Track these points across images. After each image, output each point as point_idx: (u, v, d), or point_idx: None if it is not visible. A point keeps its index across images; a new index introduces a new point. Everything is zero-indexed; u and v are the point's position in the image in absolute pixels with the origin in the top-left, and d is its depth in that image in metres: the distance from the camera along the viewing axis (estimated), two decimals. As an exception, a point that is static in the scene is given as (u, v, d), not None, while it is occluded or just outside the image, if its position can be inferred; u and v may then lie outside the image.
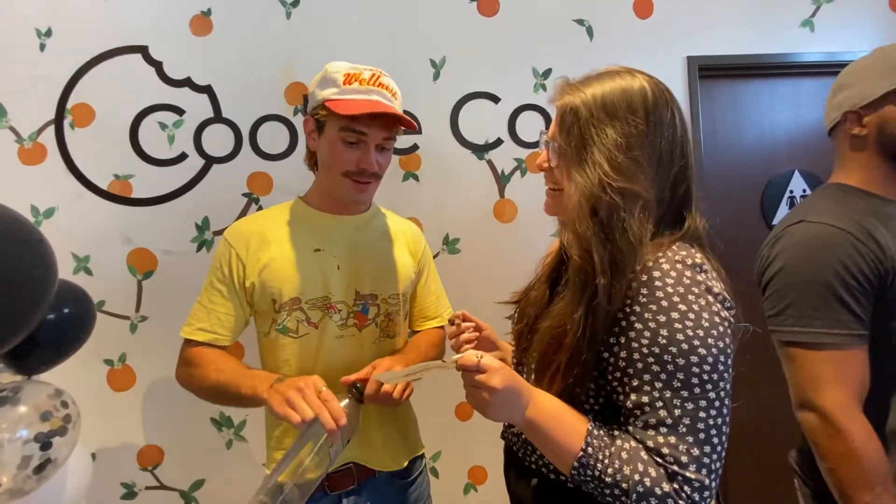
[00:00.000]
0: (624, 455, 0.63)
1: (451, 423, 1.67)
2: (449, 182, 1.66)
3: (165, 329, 1.56)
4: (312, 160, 1.01)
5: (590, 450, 0.64)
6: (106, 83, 1.55)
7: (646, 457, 0.62)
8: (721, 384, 0.63)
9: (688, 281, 0.64)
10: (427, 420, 1.64)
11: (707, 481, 0.61)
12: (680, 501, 0.60)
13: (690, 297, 0.63)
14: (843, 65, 1.85)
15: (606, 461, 0.63)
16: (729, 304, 0.66)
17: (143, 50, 1.56)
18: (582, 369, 0.68)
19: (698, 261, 0.67)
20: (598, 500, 0.67)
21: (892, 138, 0.84)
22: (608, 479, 0.63)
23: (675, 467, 0.61)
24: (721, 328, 0.63)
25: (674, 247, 0.68)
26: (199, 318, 0.95)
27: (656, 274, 0.65)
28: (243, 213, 1.60)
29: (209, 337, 0.94)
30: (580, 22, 1.71)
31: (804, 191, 1.86)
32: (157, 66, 1.57)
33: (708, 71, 1.77)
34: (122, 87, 1.56)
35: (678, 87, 1.75)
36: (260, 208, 1.60)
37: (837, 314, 0.78)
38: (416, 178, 1.65)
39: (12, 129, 1.53)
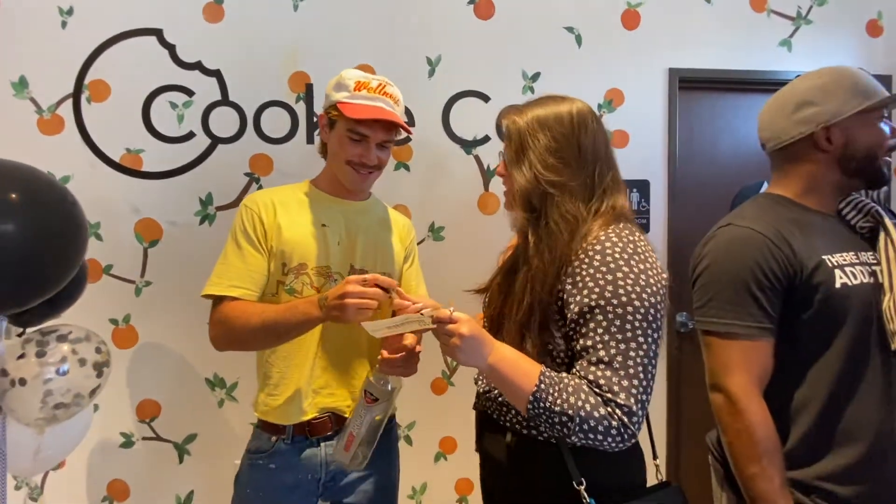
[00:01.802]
0: (570, 389, 0.78)
1: (427, 397, 1.80)
2: (437, 173, 1.77)
3: (167, 294, 1.70)
4: (323, 150, 1.17)
5: (542, 386, 0.79)
6: (122, 62, 1.66)
7: (587, 389, 0.78)
8: (650, 332, 0.79)
9: (630, 250, 0.82)
10: (404, 392, 1.77)
11: (635, 408, 0.76)
12: (613, 422, 0.76)
13: (633, 262, 0.81)
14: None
15: (556, 394, 0.78)
16: (662, 271, 0.84)
17: (157, 33, 1.67)
18: (539, 329, 0.85)
19: (639, 236, 0.86)
20: (560, 442, 0.84)
21: (854, 155, 0.92)
22: (557, 409, 0.78)
23: (609, 395, 0.76)
24: (655, 287, 0.81)
25: (620, 225, 0.86)
26: (231, 275, 1.05)
27: (607, 244, 0.82)
28: (245, 192, 1.71)
29: (242, 292, 1.04)
30: (570, 29, 1.81)
31: None
32: (171, 48, 1.68)
33: (688, 83, 1.88)
34: (137, 66, 1.67)
35: (658, 98, 1.86)
36: (260, 187, 1.72)
37: (749, 308, 0.88)
38: (406, 167, 1.77)
39: (33, 101, 1.64)
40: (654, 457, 1.04)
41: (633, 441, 0.79)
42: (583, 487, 0.83)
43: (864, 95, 0.91)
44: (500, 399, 0.93)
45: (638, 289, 0.79)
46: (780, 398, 0.90)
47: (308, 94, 1.72)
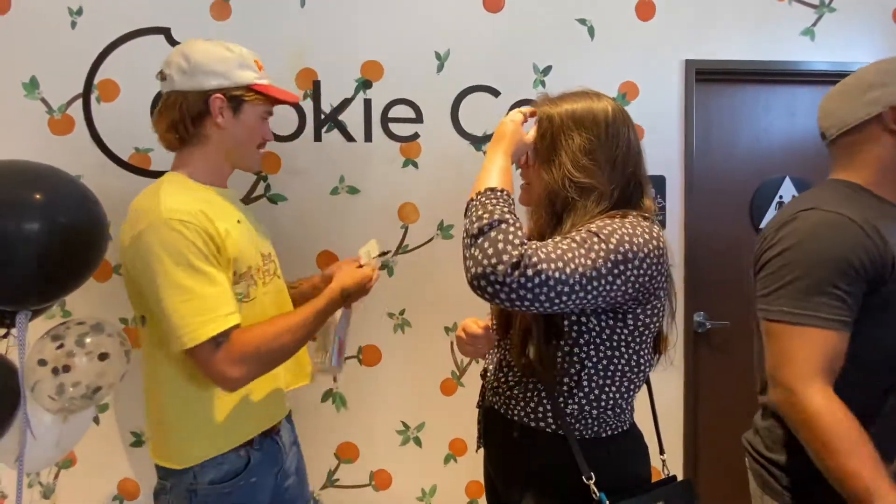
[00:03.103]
0: (506, 208, 0.78)
1: (436, 398, 1.78)
2: (446, 170, 1.74)
3: (176, 293, 1.69)
4: (195, 136, 1.00)
5: (498, 193, 0.80)
6: (131, 61, 1.66)
7: (516, 227, 0.75)
8: (611, 263, 0.76)
9: (634, 220, 0.83)
10: (413, 393, 1.76)
11: (540, 266, 0.71)
12: (513, 253, 0.71)
13: (634, 223, 0.82)
14: (843, 74, 1.89)
15: (498, 204, 0.78)
16: (664, 246, 0.84)
17: (165, 31, 1.67)
18: (544, 339, 0.86)
19: (646, 217, 0.86)
20: (568, 435, 0.86)
21: None
22: (487, 211, 0.77)
23: (527, 246, 0.74)
24: (645, 238, 0.80)
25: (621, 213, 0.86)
26: (214, 306, 0.87)
27: (613, 219, 0.83)
28: (252, 190, 1.70)
29: (238, 317, 0.90)
30: (582, 21, 1.76)
31: (794, 196, 1.91)
32: (178, 47, 1.67)
33: (705, 75, 1.82)
34: (146, 65, 1.65)
35: (675, 90, 1.80)
36: (268, 186, 1.71)
37: (828, 299, 0.81)
38: (415, 164, 1.74)
39: (44, 101, 1.65)
40: (661, 452, 1.04)
41: (505, 284, 0.71)
42: (592, 482, 0.83)
43: None
44: (507, 393, 0.94)
45: (626, 234, 0.79)
46: (857, 397, 0.82)
47: (315, 91, 1.70)
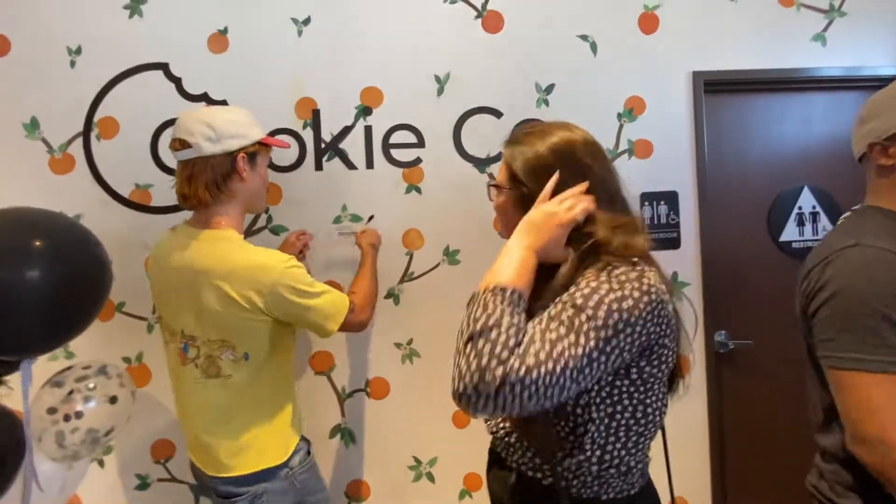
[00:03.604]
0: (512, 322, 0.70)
1: (448, 430, 1.71)
2: (450, 195, 1.70)
3: (179, 330, 1.66)
4: (227, 192, 1.16)
5: (507, 294, 0.73)
6: (130, 98, 1.65)
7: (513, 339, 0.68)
8: (602, 341, 0.70)
9: (622, 274, 0.75)
10: (424, 427, 1.70)
11: (529, 379, 0.65)
12: (496, 379, 0.65)
13: (622, 281, 0.74)
14: (857, 79, 1.84)
15: (490, 308, 0.70)
16: (658, 295, 0.75)
17: (164, 67, 1.66)
18: None
19: (634, 263, 0.78)
20: (568, 493, 0.79)
21: None
22: (479, 315, 0.70)
23: (514, 362, 0.66)
24: (636, 297, 0.72)
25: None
26: (336, 294, 1.21)
27: (599, 277, 0.76)
28: (254, 222, 1.67)
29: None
30: (584, 37, 1.73)
31: (813, 207, 1.84)
32: (177, 81, 1.66)
33: (714, 86, 1.77)
34: (145, 101, 1.66)
35: (683, 103, 1.75)
36: (270, 218, 1.68)
37: (892, 340, 0.77)
38: (418, 190, 1.70)
39: (44, 141, 1.64)
40: (672, 498, 0.95)
41: (475, 405, 0.66)
42: None
43: None
44: (507, 439, 0.90)
45: (613, 296, 0.72)
46: None
47: (315, 120, 1.68)
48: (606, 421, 0.78)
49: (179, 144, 1.13)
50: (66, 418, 1.25)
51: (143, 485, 1.66)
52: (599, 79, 1.73)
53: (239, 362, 1.13)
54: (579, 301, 0.72)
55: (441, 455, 1.71)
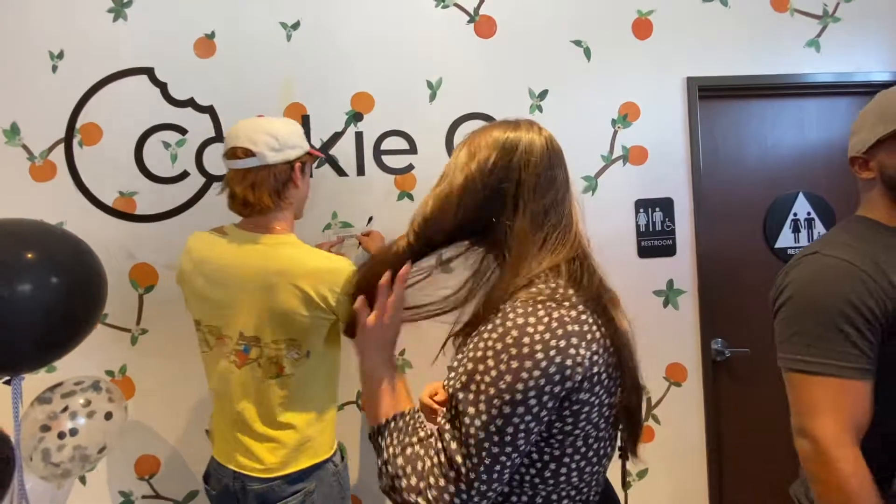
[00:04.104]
0: (408, 452, 0.70)
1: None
2: (443, 202, 1.67)
3: (164, 342, 1.61)
4: (286, 199, 1.20)
5: (391, 424, 0.73)
6: (113, 103, 1.61)
7: (419, 467, 0.67)
8: (499, 426, 0.64)
9: (520, 318, 0.67)
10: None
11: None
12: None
13: (521, 330, 0.66)
14: (851, 85, 1.83)
15: (393, 446, 0.71)
16: (553, 352, 0.64)
17: (149, 71, 1.62)
18: None
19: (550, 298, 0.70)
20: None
21: (891, 181, 0.88)
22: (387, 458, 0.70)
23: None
24: (510, 378, 0.63)
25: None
26: None
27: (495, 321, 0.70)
28: (242, 230, 1.63)
29: None
30: (577, 43, 1.71)
31: (809, 213, 1.82)
32: (162, 87, 1.62)
33: (709, 92, 1.75)
34: (129, 107, 1.61)
35: (678, 109, 1.74)
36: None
37: (839, 346, 0.80)
38: (410, 197, 1.67)
39: (25, 148, 1.59)
40: None
41: None
42: None
43: (888, 121, 0.86)
44: None
45: (482, 381, 0.65)
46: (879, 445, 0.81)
47: (305, 126, 1.64)
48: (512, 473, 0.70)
49: (242, 153, 1.15)
50: (60, 436, 1.22)
51: (127, 502, 1.61)
52: (593, 84, 1.71)
53: (301, 360, 1.16)
54: (461, 395, 0.66)
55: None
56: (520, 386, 0.63)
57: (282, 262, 1.13)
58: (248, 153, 1.15)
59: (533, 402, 0.64)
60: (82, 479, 1.60)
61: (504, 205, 0.74)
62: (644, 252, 1.73)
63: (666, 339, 1.73)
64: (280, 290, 1.11)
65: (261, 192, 1.15)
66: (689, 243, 1.75)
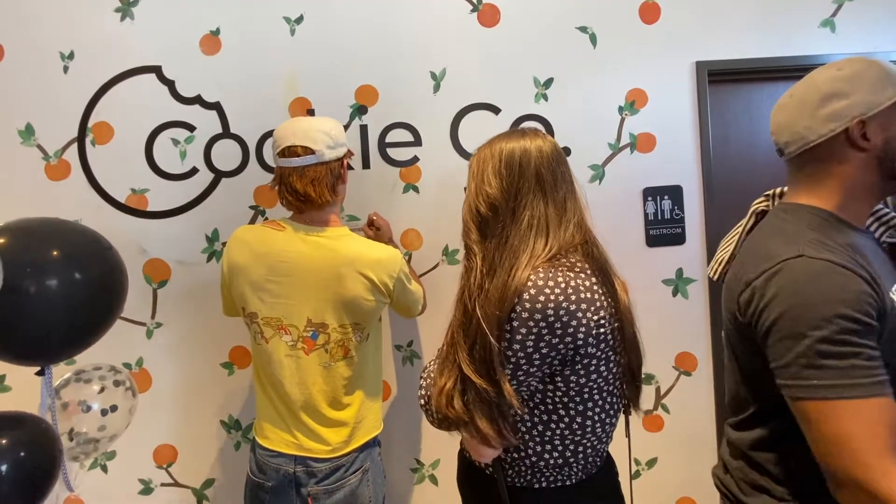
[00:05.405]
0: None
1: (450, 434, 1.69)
2: (449, 194, 1.67)
3: (179, 335, 1.65)
4: (336, 194, 1.28)
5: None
6: (123, 102, 1.64)
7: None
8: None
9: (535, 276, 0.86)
10: (426, 428, 1.68)
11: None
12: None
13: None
14: (868, 65, 1.76)
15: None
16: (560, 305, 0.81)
17: (156, 70, 1.64)
18: None
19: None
20: (504, 481, 0.91)
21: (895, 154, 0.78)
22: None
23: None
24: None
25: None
26: (417, 286, 1.44)
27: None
28: (251, 223, 1.66)
29: None
30: (583, 29, 1.68)
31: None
32: (170, 84, 1.65)
33: (719, 76, 1.71)
34: (138, 105, 1.64)
35: (686, 94, 1.70)
36: (266, 219, 1.66)
37: (857, 360, 0.69)
38: (416, 189, 1.68)
39: (40, 148, 1.63)
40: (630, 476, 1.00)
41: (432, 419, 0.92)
42: None
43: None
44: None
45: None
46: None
47: (310, 120, 1.65)
48: (540, 428, 0.86)
49: (302, 151, 1.21)
50: (106, 412, 1.32)
51: (147, 489, 1.66)
52: (599, 71, 1.69)
53: (363, 342, 1.27)
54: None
55: (444, 457, 1.69)
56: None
57: (349, 253, 1.22)
58: (308, 151, 1.22)
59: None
60: (104, 468, 1.66)
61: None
62: (653, 241, 1.71)
63: (675, 328, 1.72)
64: (348, 278, 1.20)
65: (322, 188, 1.23)
66: (699, 231, 1.73)
